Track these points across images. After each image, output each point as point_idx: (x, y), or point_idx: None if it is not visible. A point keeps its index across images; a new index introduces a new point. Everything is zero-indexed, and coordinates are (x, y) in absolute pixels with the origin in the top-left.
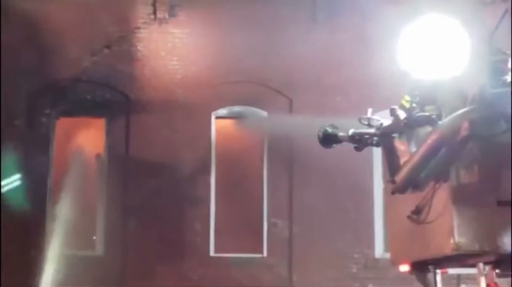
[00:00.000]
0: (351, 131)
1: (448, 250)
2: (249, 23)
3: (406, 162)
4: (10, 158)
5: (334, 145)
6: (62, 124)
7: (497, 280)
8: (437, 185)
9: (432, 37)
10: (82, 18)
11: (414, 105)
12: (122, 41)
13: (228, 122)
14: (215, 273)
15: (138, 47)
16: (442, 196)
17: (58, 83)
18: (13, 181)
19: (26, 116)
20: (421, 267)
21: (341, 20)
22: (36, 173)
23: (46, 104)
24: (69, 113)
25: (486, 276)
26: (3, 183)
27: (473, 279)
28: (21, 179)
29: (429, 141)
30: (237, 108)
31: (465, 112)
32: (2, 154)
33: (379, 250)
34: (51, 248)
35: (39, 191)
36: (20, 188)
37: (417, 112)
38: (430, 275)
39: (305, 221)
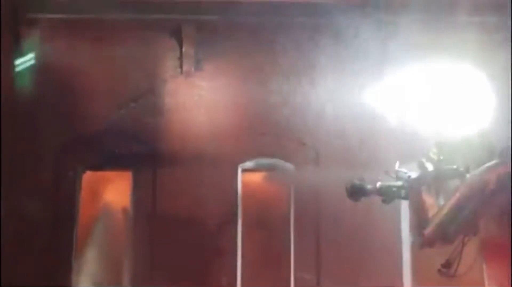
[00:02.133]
0: (378, 184)
1: None
2: (275, 75)
3: (434, 215)
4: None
5: (362, 198)
6: (89, 178)
7: None
8: (466, 239)
9: (459, 89)
10: (109, 72)
11: (441, 157)
12: (149, 95)
13: (254, 175)
14: None
15: (165, 100)
16: (471, 249)
17: (85, 136)
18: None
19: (53, 170)
20: None
21: (370, 70)
22: (63, 226)
23: (73, 158)
24: (96, 167)
25: None
26: None
27: None
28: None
29: (457, 194)
30: (263, 161)
31: (493, 165)
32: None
33: None
34: None
35: (65, 245)
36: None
37: (445, 165)
38: None
39: (333, 275)
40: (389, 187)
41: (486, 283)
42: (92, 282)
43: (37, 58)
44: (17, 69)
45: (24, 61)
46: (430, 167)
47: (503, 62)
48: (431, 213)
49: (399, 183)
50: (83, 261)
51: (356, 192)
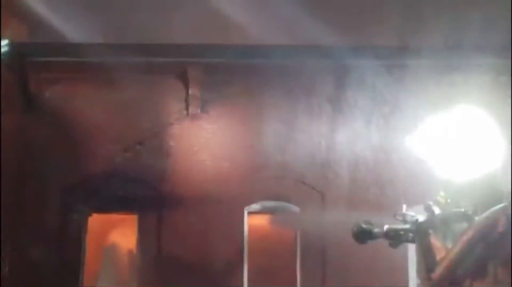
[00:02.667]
0: (386, 227)
1: None
2: (281, 118)
3: (442, 258)
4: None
5: (369, 241)
6: (94, 220)
7: None
8: (474, 282)
9: (466, 132)
10: (115, 114)
11: (449, 201)
12: (155, 137)
13: (260, 217)
14: None
15: (171, 143)
16: None
17: (90, 179)
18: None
19: (58, 212)
20: None
21: (377, 113)
22: (68, 269)
23: (79, 200)
24: (101, 209)
25: None
26: None
27: None
28: None
29: (465, 238)
30: (269, 203)
31: (501, 208)
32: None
33: None
34: None
35: None
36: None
37: (453, 208)
38: None
39: None
40: (397, 230)
41: None
42: None
43: (43, 101)
44: None
45: None
46: (437, 210)
47: (510, 104)
48: (438, 256)
49: (407, 226)
50: None
51: (362, 235)
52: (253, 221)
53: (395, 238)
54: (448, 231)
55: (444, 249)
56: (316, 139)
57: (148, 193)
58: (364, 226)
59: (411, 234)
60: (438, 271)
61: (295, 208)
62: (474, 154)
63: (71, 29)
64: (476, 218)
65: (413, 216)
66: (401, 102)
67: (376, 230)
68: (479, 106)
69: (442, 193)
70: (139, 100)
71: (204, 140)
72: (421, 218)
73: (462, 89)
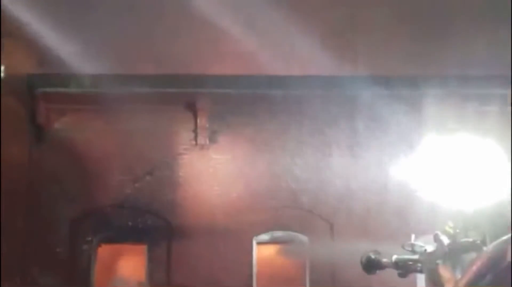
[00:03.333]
0: (394, 257)
1: None
2: (290, 148)
3: None
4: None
5: (378, 271)
6: (103, 251)
7: None
8: None
9: (474, 162)
10: (124, 145)
11: (458, 231)
12: (164, 167)
13: (270, 247)
14: None
15: (180, 173)
16: None
17: (100, 209)
18: None
19: (68, 243)
20: None
21: (385, 143)
22: None
23: (88, 231)
24: (111, 240)
25: None
26: None
27: None
28: None
29: (474, 267)
30: (278, 233)
31: (509, 238)
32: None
33: None
34: None
35: None
36: None
37: (461, 238)
38: None
39: None
40: (405, 260)
41: None
42: None
43: (52, 132)
44: None
45: None
46: (446, 240)
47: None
48: (448, 286)
49: (415, 256)
50: None
51: (371, 265)
52: (262, 251)
53: (404, 268)
54: (457, 261)
55: (453, 279)
56: (325, 169)
57: (157, 224)
58: (372, 256)
59: (419, 264)
60: None
61: (304, 238)
62: (482, 184)
63: (80, 60)
64: (485, 248)
65: (421, 246)
66: (411, 132)
67: (384, 260)
68: (487, 136)
69: (450, 223)
70: (148, 130)
71: (212, 170)
72: (430, 248)
73: (470, 119)
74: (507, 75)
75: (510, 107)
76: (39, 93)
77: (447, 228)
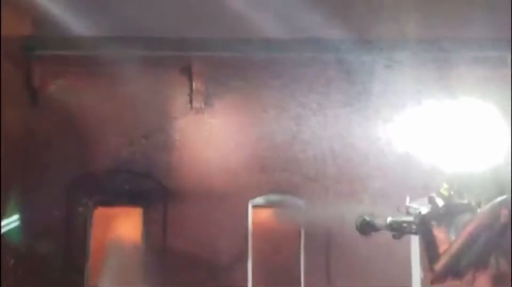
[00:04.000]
0: (389, 219)
1: None
2: (286, 111)
3: (445, 250)
4: None
5: (372, 233)
6: (99, 214)
7: None
8: (477, 273)
9: (471, 125)
10: (120, 108)
11: (452, 193)
12: (159, 131)
13: (265, 211)
14: None
15: (175, 137)
16: (482, 284)
17: (96, 173)
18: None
19: (64, 205)
20: None
21: (380, 105)
22: (75, 262)
23: (84, 194)
24: (106, 203)
25: None
26: None
27: None
28: None
29: (468, 229)
30: (273, 197)
31: (504, 200)
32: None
33: None
34: None
35: (77, 281)
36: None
37: (456, 200)
38: None
39: None
40: (400, 222)
41: None
42: None
43: (48, 96)
44: None
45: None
46: (440, 202)
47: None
48: (442, 248)
49: (410, 218)
50: None
51: (366, 228)
52: (258, 214)
53: (398, 230)
54: (451, 223)
55: (447, 241)
56: (321, 132)
57: (153, 187)
58: (367, 218)
59: (414, 226)
60: (441, 263)
61: (300, 202)
62: (478, 147)
63: (76, 22)
64: (479, 210)
65: (416, 208)
66: (405, 96)
67: (379, 222)
68: (485, 100)
69: (445, 185)
70: (144, 94)
71: (208, 134)
72: (424, 210)
73: (466, 82)
74: (506, 38)
75: (510, 70)
76: (35, 55)
77: (442, 190)
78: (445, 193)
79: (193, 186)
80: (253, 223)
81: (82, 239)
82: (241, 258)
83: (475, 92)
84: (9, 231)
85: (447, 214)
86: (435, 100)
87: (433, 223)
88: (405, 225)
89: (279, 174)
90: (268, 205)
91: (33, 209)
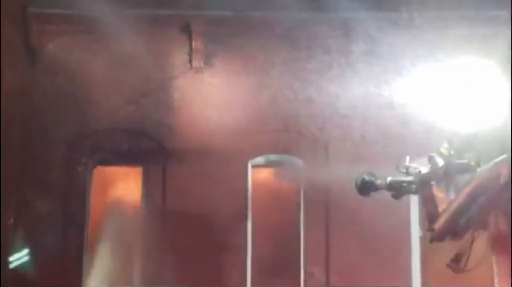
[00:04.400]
0: (389, 179)
1: None
2: (286, 71)
3: (444, 210)
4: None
5: (372, 193)
6: (99, 173)
7: None
8: (476, 233)
9: (471, 84)
10: (118, 67)
11: (452, 152)
12: (158, 90)
13: (264, 171)
14: None
15: (174, 96)
16: (481, 244)
17: (94, 132)
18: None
19: (63, 165)
20: None
21: (380, 65)
22: (74, 221)
23: (83, 154)
24: (106, 162)
25: None
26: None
27: None
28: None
29: (468, 189)
30: (273, 157)
31: (504, 159)
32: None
33: None
34: None
35: (76, 241)
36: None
37: (456, 160)
38: None
39: (342, 270)
40: (399, 182)
41: (495, 278)
42: (103, 276)
43: (47, 55)
44: None
45: None
46: (440, 162)
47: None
48: (441, 207)
49: (409, 178)
50: (94, 256)
51: (365, 187)
52: (257, 174)
53: (398, 189)
54: (451, 183)
55: (447, 200)
56: (321, 92)
57: (152, 146)
58: (367, 178)
59: (414, 186)
60: (440, 222)
61: (299, 161)
62: (478, 106)
63: None
64: (479, 169)
65: (416, 167)
66: (406, 54)
67: (379, 182)
68: (485, 59)
69: (445, 145)
70: (143, 53)
71: (207, 93)
72: (424, 169)
73: (469, 41)
74: None
75: (510, 29)
76: (33, 13)
77: (442, 150)
78: (445, 152)
79: (192, 146)
80: (253, 182)
81: (82, 198)
82: (241, 217)
83: (476, 51)
84: None
85: (446, 174)
86: (434, 58)
87: (433, 182)
88: (404, 184)
89: (279, 133)
90: (267, 164)
91: (32, 169)
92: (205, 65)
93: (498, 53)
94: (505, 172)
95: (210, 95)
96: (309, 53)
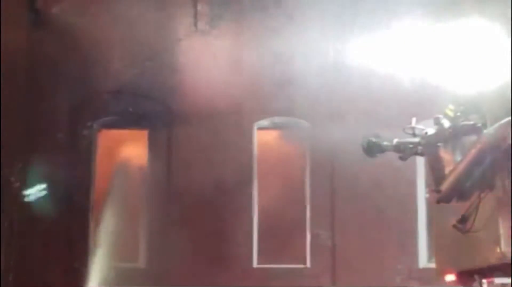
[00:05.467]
0: (395, 141)
1: (494, 260)
2: (292, 32)
3: (451, 171)
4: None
5: (378, 154)
6: (104, 136)
7: None
8: (482, 194)
9: (476, 44)
10: (124, 30)
11: (458, 114)
12: (164, 53)
13: (270, 133)
14: (258, 284)
15: (180, 59)
16: (487, 205)
17: (100, 95)
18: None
19: (68, 128)
20: (467, 277)
21: (385, 27)
22: (79, 185)
23: (88, 117)
24: (111, 126)
25: None
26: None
27: None
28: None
29: (474, 150)
30: (279, 119)
31: (509, 121)
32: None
33: (423, 260)
34: (94, 260)
35: (82, 204)
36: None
37: (462, 121)
38: (476, 285)
39: (348, 232)
40: (406, 143)
41: (501, 239)
42: (109, 239)
43: (50, 18)
44: None
45: None
46: (447, 123)
47: None
48: (447, 169)
49: (416, 139)
50: (100, 219)
51: (372, 149)
52: (263, 136)
53: (405, 151)
54: (457, 144)
55: (453, 162)
56: (327, 54)
57: (158, 109)
58: (373, 139)
59: (420, 147)
60: (447, 183)
61: (305, 123)
62: (484, 68)
63: None
64: (485, 131)
65: (422, 129)
66: (412, 16)
67: (385, 143)
68: (489, 18)
69: (451, 106)
70: (148, 15)
71: (213, 56)
72: (431, 131)
73: (470, 1)
74: None
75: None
76: None
77: (448, 111)
78: (451, 113)
79: (198, 109)
80: (258, 145)
81: (87, 162)
82: (246, 179)
83: (479, 11)
84: None
85: (453, 135)
86: (442, 20)
87: (439, 144)
88: (411, 146)
89: (284, 96)
90: (273, 127)
91: (37, 132)
92: (211, 27)
93: (501, 13)
94: (510, 133)
95: (216, 57)
96: (314, 14)
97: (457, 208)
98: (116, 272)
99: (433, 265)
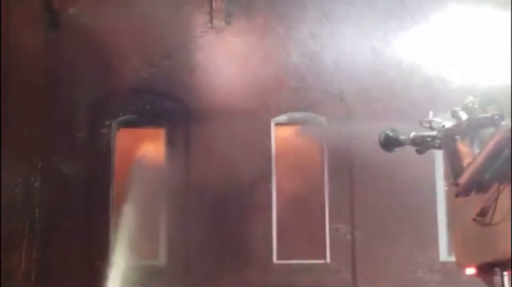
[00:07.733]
0: (412, 134)
1: None
2: (307, 29)
3: (469, 164)
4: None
5: (396, 148)
6: (122, 135)
7: None
8: (501, 187)
9: (494, 36)
10: (140, 29)
11: (476, 106)
12: (180, 51)
13: (287, 129)
14: (279, 280)
15: (196, 56)
16: (507, 197)
17: (117, 94)
18: None
19: (87, 128)
20: (487, 270)
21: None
22: (99, 184)
23: (107, 116)
24: (129, 124)
25: None
26: None
27: None
28: None
29: (492, 142)
30: (296, 115)
31: None
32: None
33: (444, 253)
34: (115, 258)
35: (102, 202)
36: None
37: (480, 113)
38: (497, 278)
39: (368, 226)
40: (423, 137)
41: None
42: (130, 237)
43: (67, 18)
44: None
45: None
46: (464, 116)
47: None
48: (466, 161)
49: (433, 132)
50: (120, 218)
51: (389, 143)
52: (280, 132)
53: (422, 144)
54: (475, 137)
55: (471, 154)
56: (344, 49)
57: (175, 107)
58: (390, 133)
59: (438, 141)
60: (465, 176)
61: (322, 119)
62: (502, 60)
63: None
64: (503, 123)
65: (439, 122)
66: (430, 7)
67: (402, 137)
68: (507, 10)
69: (469, 99)
70: (164, 13)
71: (229, 53)
72: (448, 124)
73: None
74: None
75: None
76: None
77: (466, 104)
78: (469, 106)
79: (215, 106)
80: (276, 140)
81: (106, 161)
82: (265, 175)
83: (497, 2)
84: None
85: (471, 128)
86: (461, 12)
87: (457, 137)
88: (428, 139)
89: (302, 91)
90: (290, 122)
91: (55, 132)
92: (226, 24)
93: None
94: None
95: (232, 54)
96: (330, 10)
97: (476, 201)
98: (136, 270)
99: (453, 258)
